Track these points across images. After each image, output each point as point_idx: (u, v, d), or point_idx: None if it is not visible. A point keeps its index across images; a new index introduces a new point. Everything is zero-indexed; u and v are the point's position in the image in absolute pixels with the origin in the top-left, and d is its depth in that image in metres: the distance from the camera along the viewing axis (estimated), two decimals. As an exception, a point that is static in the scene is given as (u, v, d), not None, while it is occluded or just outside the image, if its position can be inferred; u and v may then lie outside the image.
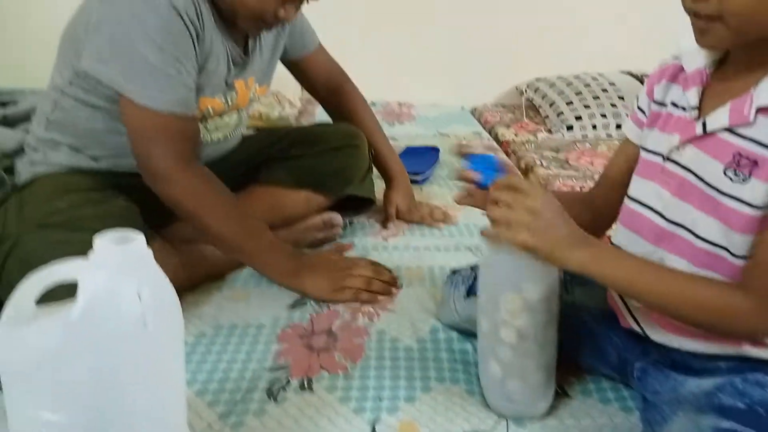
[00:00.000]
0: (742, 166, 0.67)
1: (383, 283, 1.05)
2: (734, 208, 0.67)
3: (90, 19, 0.91)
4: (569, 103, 2.11)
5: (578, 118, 2.06)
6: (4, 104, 1.57)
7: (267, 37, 1.16)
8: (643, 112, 0.83)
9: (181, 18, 0.90)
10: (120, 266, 0.56)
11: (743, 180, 0.66)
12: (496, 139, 2.08)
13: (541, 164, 1.76)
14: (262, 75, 1.17)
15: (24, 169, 1.03)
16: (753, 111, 0.66)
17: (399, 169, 1.39)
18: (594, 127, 2.05)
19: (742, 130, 0.67)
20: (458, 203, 0.84)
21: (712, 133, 0.69)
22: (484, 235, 0.75)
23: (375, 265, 1.08)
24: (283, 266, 1.02)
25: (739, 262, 0.69)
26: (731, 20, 0.64)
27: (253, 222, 1.02)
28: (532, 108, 2.27)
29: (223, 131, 1.14)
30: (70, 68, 0.97)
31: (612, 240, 0.83)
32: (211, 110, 1.06)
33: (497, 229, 0.71)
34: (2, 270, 0.84)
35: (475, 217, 1.30)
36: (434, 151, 1.76)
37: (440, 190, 1.55)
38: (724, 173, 0.68)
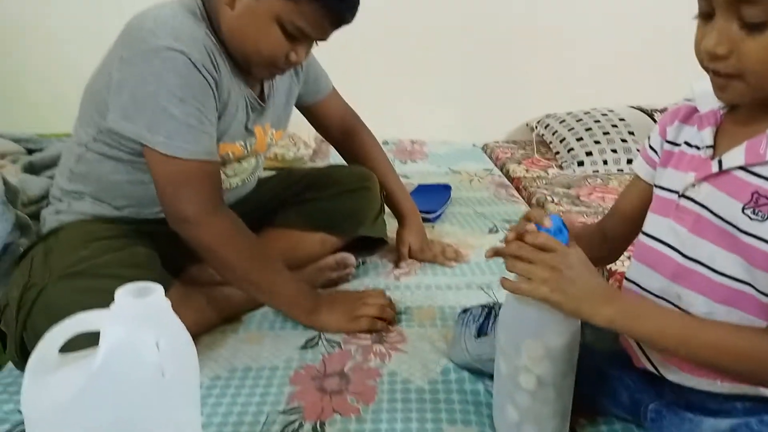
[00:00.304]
0: (761, 205, 0.67)
1: (394, 313, 1.10)
2: (754, 245, 0.68)
3: (112, 80, 0.95)
4: (579, 138, 2.13)
5: (589, 153, 2.08)
6: (31, 151, 1.64)
7: (281, 83, 1.20)
8: (655, 151, 0.85)
9: (199, 71, 0.94)
10: (139, 318, 0.59)
11: (762, 219, 0.67)
12: (507, 175, 2.10)
13: (553, 200, 1.78)
14: (278, 120, 1.22)
15: (49, 218, 1.07)
16: None
17: (411, 208, 1.42)
18: (605, 162, 2.07)
19: (758, 169, 0.68)
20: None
21: (727, 171, 0.71)
22: (503, 285, 0.75)
23: (385, 296, 1.13)
24: (302, 305, 1.06)
25: (766, 300, 0.69)
26: (750, 78, 0.65)
27: (276, 263, 1.05)
28: (543, 144, 2.30)
29: (241, 176, 1.18)
30: (94, 126, 1.01)
31: (627, 275, 0.84)
32: (231, 155, 1.10)
33: (518, 282, 0.73)
34: (28, 317, 0.87)
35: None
36: (446, 188, 1.79)
37: (452, 228, 1.58)
38: (743, 211, 0.69)
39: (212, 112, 0.99)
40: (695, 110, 0.79)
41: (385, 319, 1.07)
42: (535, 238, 0.72)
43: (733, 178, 0.70)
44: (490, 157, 2.30)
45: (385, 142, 2.35)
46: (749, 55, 0.63)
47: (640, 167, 0.88)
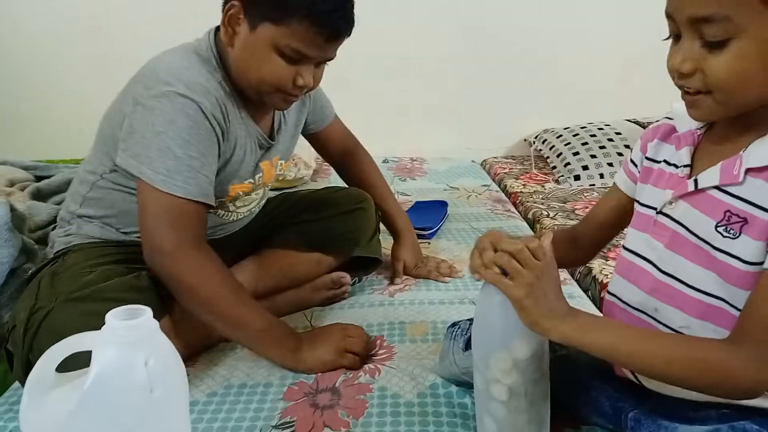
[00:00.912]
0: (733, 223, 0.70)
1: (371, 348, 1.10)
2: (728, 262, 0.70)
3: (125, 120, 1.00)
4: (576, 153, 2.16)
5: (585, 167, 2.11)
6: (39, 178, 1.69)
7: (291, 117, 1.25)
8: (636, 165, 0.88)
9: (208, 119, 0.99)
10: (128, 339, 0.63)
11: (734, 236, 0.70)
12: (505, 191, 2.14)
13: (548, 215, 1.80)
14: (287, 151, 1.27)
15: (58, 240, 1.11)
16: (742, 172, 0.69)
17: (406, 226, 1.45)
18: (601, 176, 2.10)
19: (731, 189, 0.70)
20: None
21: (703, 190, 0.73)
22: (485, 276, 0.75)
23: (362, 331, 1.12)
24: (283, 343, 1.03)
25: (726, 314, 0.72)
26: (717, 94, 0.68)
27: (255, 305, 1.03)
28: (541, 159, 2.33)
29: (249, 207, 1.23)
30: (110, 160, 1.05)
31: (609, 289, 0.87)
32: (241, 193, 1.15)
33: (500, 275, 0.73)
34: (34, 339, 0.91)
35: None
36: (443, 205, 1.82)
37: (448, 244, 1.61)
38: (716, 229, 0.71)
39: (214, 159, 1.02)
40: (674, 129, 0.82)
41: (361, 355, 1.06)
42: (507, 247, 0.73)
43: (708, 196, 0.73)
44: (489, 173, 2.33)
45: (386, 161, 2.41)
46: (712, 72, 0.66)
47: (620, 179, 0.91)
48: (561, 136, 2.30)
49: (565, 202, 1.92)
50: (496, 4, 2.37)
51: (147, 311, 0.65)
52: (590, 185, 2.08)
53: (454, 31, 2.39)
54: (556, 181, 2.14)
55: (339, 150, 1.44)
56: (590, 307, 1.25)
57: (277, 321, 1.05)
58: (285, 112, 1.21)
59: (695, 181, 0.74)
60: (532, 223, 1.82)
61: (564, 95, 2.47)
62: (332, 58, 1.08)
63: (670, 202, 0.77)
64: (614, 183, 0.93)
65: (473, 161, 2.44)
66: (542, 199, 1.96)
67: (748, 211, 0.69)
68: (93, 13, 2.15)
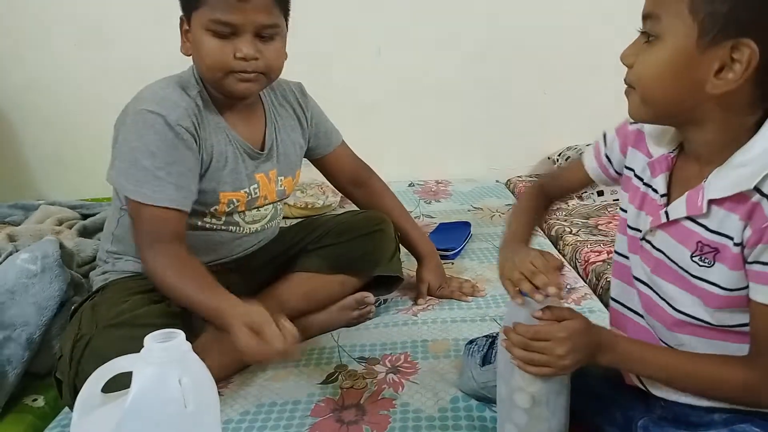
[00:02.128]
0: (706, 252, 0.73)
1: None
2: (706, 289, 0.74)
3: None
4: (599, 168, 2.18)
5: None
6: (85, 216, 1.81)
7: (285, 133, 1.29)
8: (610, 161, 0.91)
9: (174, 130, 1.08)
10: (164, 359, 0.70)
11: (710, 265, 0.73)
12: (529, 209, 2.16)
13: (571, 231, 1.83)
14: (287, 168, 1.31)
15: (96, 279, 1.21)
16: (705, 203, 0.71)
17: (429, 248, 1.50)
18: (625, 189, 2.11)
19: (700, 220, 0.73)
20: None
21: (676, 221, 0.76)
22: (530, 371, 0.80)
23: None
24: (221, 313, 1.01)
25: (716, 331, 0.76)
26: (638, 90, 0.72)
27: (213, 289, 1.04)
28: (565, 176, 2.35)
29: (261, 223, 1.29)
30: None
31: (612, 295, 0.91)
32: (235, 201, 1.21)
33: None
34: (79, 365, 0.99)
35: (501, 289, 1.39)
36: (466, 226, 1.86)
37: (471, 264, 1.65)
38: (692, 259, 0.74)
39: (185, 167, 1.10)
40: (644, 137, 0.84)
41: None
42: (525, 332, 0.79)
43: (681, 227, 0.76)
44: (513, 192, 2.36)
45: (412, 184, 2.47)
46: (638, 67, 0.71)
47: (590, 167, 0.95)
48: (583, 153, 2.33)
49: (588, 218, 1.94)
50: (515, 22, 2.40)
51: (180, 334, 0.72)
52: (614, 200, 2.10)
53: (474, 52, 2.44)
54: (580, 198, 2.16)
55: (349, 177, 1.48)
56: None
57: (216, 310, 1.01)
58: (276, 125, 1.27)
59: (666, 213, 0.77)
60: (555, 241, 1.85)
61: (587, 111, 2.48)
62: (270, 26, 1.10)
63: (651, 230, 0.80)
64: (583, 165, 0.96)
65: (497, 181, 2.48)
66: (565, 215, 1.99)
67: (717, 240, 0.72)
68: (135, 60, 2.28)
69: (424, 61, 2.44)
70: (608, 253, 1.62)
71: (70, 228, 1.67)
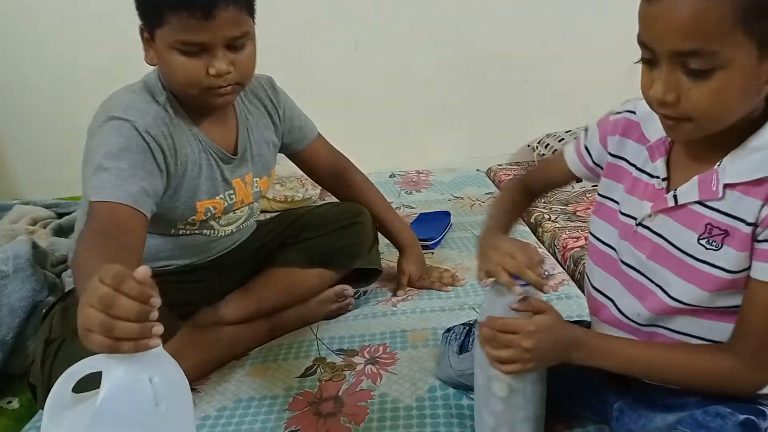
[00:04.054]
0: (715, 235, 0.73)
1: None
2: (708, 272, 0.73)
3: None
4: (577, 155, 2.19)
5: (586, 168, 2.14)
6: (61, 215, 1.79)
7: (257, 133, 1.25)
8: (590, 154, 0.91)
9: (141, 135, 1.02)
10: (134, 358, 0.69)
11: (717, 248, 0.73)
12: (508, 197, 2.17)
13: (549, 218, 1.84)
14: (262, 169, 1.28)
15: (68, 280, 1.19)
16: (721, 187, 0.71)
17: (410, 240, 1.49)
18: (603, 176, 2.12)
19: (711, 203, 0.73)
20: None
21: (684, 205, 0.76)
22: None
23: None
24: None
25: (709, 313, 0.76)
26: (700, 121, 0.69)
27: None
28: (544, 163, 2.36)
29: (235, 224, 1.26)
30: None
31: (592, 283, 0.90)
32: (212, 209, 1.18)
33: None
34: (51, 370, 0.97)
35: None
36: (446, 215, 1.87)
37: (450, 253, 1.66)
38: (698, 242, 0.74)
39: (150, 174, 1.03)
40: (637, 125, 0.84)
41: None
42: (494, 324, 0.80)
43: (688, 210, 0.75)
44: (493, 181, 2.37)
45: (392, 175, 2.47)
46: (697, 101, 0.67)
47: (570, 159, 0.95)
48: (563, 139, 2.34)
49: (567, 205, 1.95)
50: (493, 11, 2.40)
51: (149, 333, 0.71)
52: (593, 186, 2.11)
53: (451, 40, 2.43)
54: (559, 184, 2.17)
55: (327, 170, 1.45)
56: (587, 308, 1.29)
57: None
58: (248, 126, 1.23)
59: (675, 197, 0.76)
60: (534, 228, 1.86)
61: (567, 99, 2.50)
62: (240, 37, 1.04)
63: (650, 215, 0.79)
64: (564, 157, 0.96)
65: (478, 170, 2.49)
66: (544, 203, 1.99)
67: (728, 223, 0.72)
68: (112, 61, 2.25)
69: (403, 52, 2.43)
70: (586, 239, 1.63)
71: (45, 227, 1.65)
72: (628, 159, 0.85)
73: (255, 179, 1.26)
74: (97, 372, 0.70)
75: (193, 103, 1.10)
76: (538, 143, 2.45)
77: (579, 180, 0.99)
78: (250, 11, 1.07)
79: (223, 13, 0.99)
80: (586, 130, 0.93)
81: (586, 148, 0.92)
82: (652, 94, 0.70)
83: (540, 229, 1.82)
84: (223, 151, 1.17)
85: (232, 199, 1.21)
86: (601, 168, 0.90)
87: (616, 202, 0.85)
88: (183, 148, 1.10)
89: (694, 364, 0.77)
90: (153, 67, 1.11)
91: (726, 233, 0.72)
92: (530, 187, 1.06)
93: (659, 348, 0.81)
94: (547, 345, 0.79)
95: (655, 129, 0.81)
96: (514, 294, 0.80)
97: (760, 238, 0.70)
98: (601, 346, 0.81)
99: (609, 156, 0.88)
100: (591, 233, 0.90)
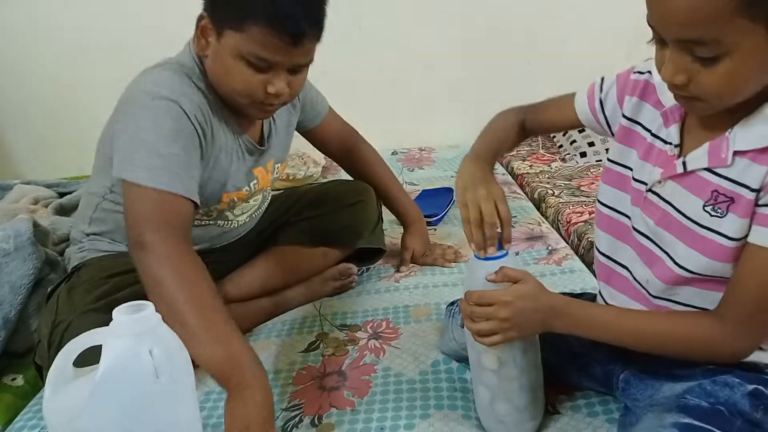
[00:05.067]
0: (720, 202, 0.72)
1: None
2: (712, 239, 0.72)
3: (116, 130, 1.02)
4: (582, 130, 2.17)
5: (591, 144, 2.12)
6: (62, 194, 1.78)
7: (280, 120, 1.25)
8: (603, 109, 0.88)
9: (190, 119, 0.99)
10: (134, 331, 0.69)
11: (722, 215, 0.72)
12: (512, 172, 2.16)
13: (553, 193, 1.83)
14: (281, 154, 1.28)
15: (73, 257, 1.17)
16: (730, 155, 0.70)
17: (416, 215, 1.48)
18: (607, 150, 2.10)
19: (719, 170, 0.72)
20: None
21: (692, 171, 0.74)
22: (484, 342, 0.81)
23: None
24: (221, 381, 0.85)
25: (714, 282, 0.75)
26: (711, 101, 0.68)
27: (221, 327, 0.87)
28: (548, 139, 2.34)
29: (248, 213, 1.25)
30: (108, 178, 1.08)
31: (600, 248, 0.89)
32: (236, 199, 1.17)
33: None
34: (58, 350, 0.96)
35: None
36: (449, 192, 1.85)
37: (453, 229, 1.64)
38: (703, 209, 0.73)
39: (197, 158, 1.02)
40: (654, 89, 0.82)
41: None
42: (471, 298, 0.80)
43: (696, 177, 0.74)
44: (497, 157, 2.35)
45: (395, 152, 2.45)
46: (706, 85, 0.66)
47: (581, 109, 0.92)
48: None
49: (571, 180, 1.94)
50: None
51: (149, 306, 0.71)
52: (597, 161, 2.09)
53: (454, 16, 2.41)
54: (563, 160, 2.15)
55: (338, 144, 1.45)
56: (591, 281, 1.28)
57: (233, 358, 0.85)
58: (274, 116, 1.21)
59: (684, 163, 0.75)
60: (538, 203, 1.85)
61: (570, 73, 2.46)
62: (306, 64, 1.05)
63: (659, 181, 0.78)
64: (573, 104, 0.93)
65: (481, 147, 2.47)
66: (548, 178, 1.98)
67: (734, 190, 0.70)
68: (113, 38, 2.23)
69: (406, 29, 2.40)
70: (590, 213, 1.62)
71: (47, 207, 1.64)
72: (643, 124, 0.83)
73: (276, 165, 1.25)
74: (99, 346, 0.70)
75: (233, 104, 1.08)
76: (542, 119, 2.42)
77: (582, 129, 0.97)
78: (319, 39, 1.05)
79: (307, 42, 1.00)
80: (602, 80, 0.90)
81: (601, 102, 0.89)
82: (663, 75, 0.69)
83: (544, 204, 1.81)
84: (253, 142, 1.17)
85: (255, 188, 1.20)
86: (610, 125, 0.88)
87: (630, 169, 0.84)
88: (219, 137, 1.08)
89: (676, 329, 0.75)
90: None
91: (731, 200, 0.71)
92: (527, 125, 1.01)
93: (642, 314, 0.80)
94: (525, 314, 0.78)
95: (670, 95, 0.78)
96: (491, 266, 0.80)
97: (761, 202, 0.69)
98: (583, 314, 0.79)
99: (623, 118, 0.85)
100: (598, 200, 0.89)
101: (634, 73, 0.85)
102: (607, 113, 0.89)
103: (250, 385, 0.82)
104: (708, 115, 0.74)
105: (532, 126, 1.01)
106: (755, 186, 0.69)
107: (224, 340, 0.86)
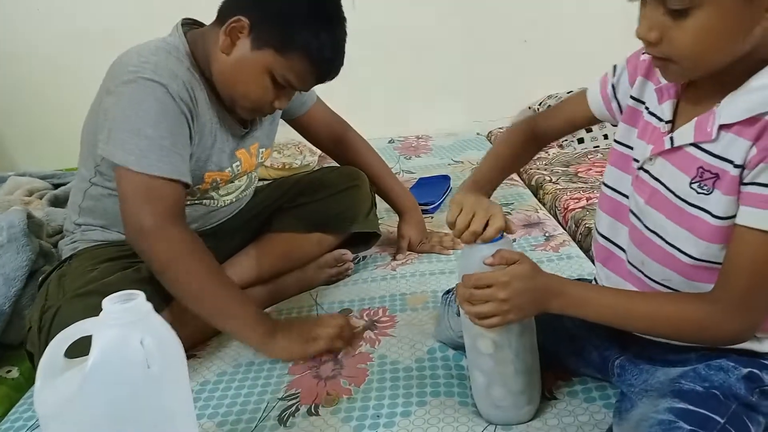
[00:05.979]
0: (706, 179, 0.71)
1: (352, 332, 1.09)
2: (700, 217, 0.72)
3: (100, 111, 1.04)
4: (579, 116, 2.16)
5: (589, 130, 2.11)
6: (57, 186, 1.78)
7: None
8: (615, 93, 0.87)
9: (175, 101, 1.01)
10: (124, 320, 0.68)
11: (708, 192, 0.71)
12: (509, 160, 2.14)
13: (551, 180, 1.82)
14: (266, 140, 1.28)
15: (65, 248, 1.17)
16: (715, 129, 0.69)
17: (410, 203, 1.47)
18: (605, 137, 2.09)
19: (705, 145, 0.71)
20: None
21: (680, 147, 0.74)
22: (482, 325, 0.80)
23: (344, 317, 1.12)
24: (257, 328, 1.02)
25: (703, 270, 0.74)
26: (683, 62, 0.68)
27: (232, 286, 1.04)
28: (546, 125, 2.33)
29: (234, 194, 1.25)
30: (92, 160, 1.10)
31: (598, 229, 0.89)
32: (219, 180, 1.17)
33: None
34: (48, 337, 0.96)
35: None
36: (445, 179, 1.85)
37: (451, 217, 1.64)
38: (690, 186, 0.72)
39: (185, 139, 1.04)
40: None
41: (344, 338, 1.06)
42: (468, 281, 0.79)
43: (684, 153, 0.73)
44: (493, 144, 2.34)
45: (392, 141, 2.44)
46: (676, 41, 0.66)
47: (593, 99, 0.90)
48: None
49: (568, 166, 1.93)
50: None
51: (140, 295, 0.70)
52: (594, 147, 2.08)
53: (450, 2, 2.39)
54: (560, 146, 2.14)
55: (327, 134, 1.44)
56: (588, 267, 1.28)
57: (253, 306, 1.04)
58: None
59: (671, 138, 0.74)
60: (536, 190, 1.84)
61: (567, 59, 2.45)
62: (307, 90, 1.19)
63: (650, 159, 0.77)
64: (586, 95, 0.92)
65: (478, 134, 2.46)
66: (546, 164, 1.97)
67: (719, 166, 0.70)
68: (108, 28, 2.21)
69: (402, 16, 2.38)
70: (587, 200, 1.61)
71: (41, 198, 1.63)
72: (645, 102, 0.82)
73: (260, 150, 1.26)
74: (89, 337, 0.70)
75: (231, 100, 1.12)
76: (539, 105, 2.40)
77: (595, 123, 0.95)
78: None
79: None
80: (614, 67, 0.89)
81: (613, 87, 0.88)
82: (637, 32, 0.69)
83: (541, 191, 1.80)
84: (237, 125, 1.17)
85: (238, 170, 1.21)
86: (623, 111, 0.87)
87: (631, 148, 0.83)
88: (203, 116, 1.10)
89: (673, 313, 0.74)
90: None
91: (717, 177, 0.70)
92: (541, 131, 0.99)
93: (637, 295, 0.79)
94: (523, 294, 0.77)
95: None
96: (487, 249, 0.79)
97: (746, 180, 0.68)
98: (578, 294, 0.79)
99: (630, 99, 0.84)
100: (603, 182, 0.88)
101: (643, 53, 0.84)
102: (619, 97, 0.87)
103: (281, 327, 1.04)
104: (699, 91, 0.73)
105: (545, 131, 0.99)
106: (739, 161, 0.68)
107: (247, 302, 1.03)
